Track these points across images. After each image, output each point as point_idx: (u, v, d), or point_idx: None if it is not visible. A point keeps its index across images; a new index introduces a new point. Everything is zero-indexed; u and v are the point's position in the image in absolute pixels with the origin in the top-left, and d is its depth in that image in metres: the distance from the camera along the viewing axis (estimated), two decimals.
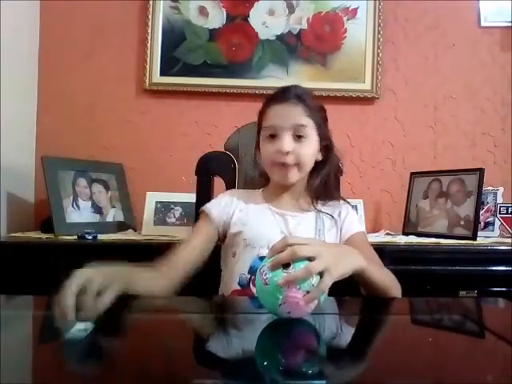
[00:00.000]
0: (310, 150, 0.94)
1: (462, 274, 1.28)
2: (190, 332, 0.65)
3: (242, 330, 0.66)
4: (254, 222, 0.96)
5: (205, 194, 1.13)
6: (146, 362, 0.49)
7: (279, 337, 0.60)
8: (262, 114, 0.99)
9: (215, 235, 0.98)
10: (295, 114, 0.93)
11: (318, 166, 0.99)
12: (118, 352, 0.54)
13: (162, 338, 0.60)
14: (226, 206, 0.99)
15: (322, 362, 0.52)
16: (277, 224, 0.96)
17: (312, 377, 0.48)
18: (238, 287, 0.92)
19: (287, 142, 0.92)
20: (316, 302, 0.61)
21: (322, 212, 0.98)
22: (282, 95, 0.95)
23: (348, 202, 1.03)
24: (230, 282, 0.94)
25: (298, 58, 1.70)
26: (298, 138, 0.93)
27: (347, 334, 0.66)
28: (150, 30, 1.68)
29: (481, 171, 1.45)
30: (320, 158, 0.99)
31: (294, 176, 0.95)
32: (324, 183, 1.00)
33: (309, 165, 0.96)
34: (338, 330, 0.68)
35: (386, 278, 0.83)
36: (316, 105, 0.97)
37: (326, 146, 0.99)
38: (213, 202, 1.01)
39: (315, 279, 0.61)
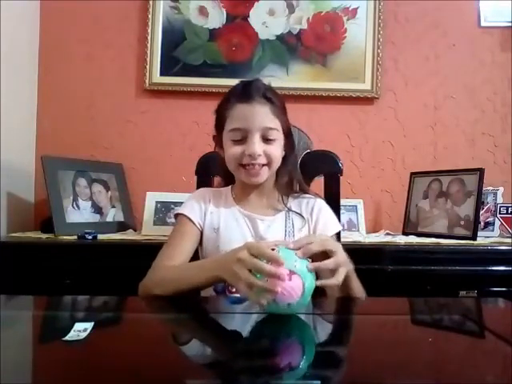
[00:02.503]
0: (279, 150, 0.93)
1: (462, 274, 1.28)
2: (179, 332, 0.65)
3: (232, 328, 0.66)
4: (226, 227, 0.95)
5: None
6: (138, 362, 0.49)
7: (274, 336, 0.60)
8: (224, 110, 0.93)
9: (199, 236, 0.96)
10: (264, 116, 0.90)
11: (282, 162, 0.96)
12: (113, 352, 0.54)
13: (151, 338, 0.60)
14: (200, 210, 0.97)
15: (321, 361, 0.52)
16: (247, 228, 0.95)
17: (310, 377, 0.48)
18: (213, 293, 0.90)
19: (257, 145, 0.89)
20: (301, 288, 0.62)
21: (291, 211, 0.97)
22: (248, 93, 0.90)
23: (320, 197, 1.01)
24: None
25: (298, 58, 1.70)
26: (267, 139, 0.90)
27: (347, 334, 0.66)
28: (149, 30, 1.68)
29: (481, 171, 1.45)
30: (283, 153, 0.97)
31: (264, 175, 0.93)
32: (291, 178, 0.99)
33: (278, 162, 0.95)
34: (338, 330, 0.68)
35: (358, 288, 0.83)
36: (279, 100, 0.93)
37: (289, 141, 0.97)
38: (187, 205, 0.98)
39: (298, 261, 0.64)
